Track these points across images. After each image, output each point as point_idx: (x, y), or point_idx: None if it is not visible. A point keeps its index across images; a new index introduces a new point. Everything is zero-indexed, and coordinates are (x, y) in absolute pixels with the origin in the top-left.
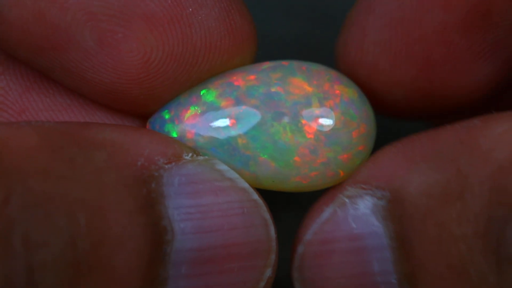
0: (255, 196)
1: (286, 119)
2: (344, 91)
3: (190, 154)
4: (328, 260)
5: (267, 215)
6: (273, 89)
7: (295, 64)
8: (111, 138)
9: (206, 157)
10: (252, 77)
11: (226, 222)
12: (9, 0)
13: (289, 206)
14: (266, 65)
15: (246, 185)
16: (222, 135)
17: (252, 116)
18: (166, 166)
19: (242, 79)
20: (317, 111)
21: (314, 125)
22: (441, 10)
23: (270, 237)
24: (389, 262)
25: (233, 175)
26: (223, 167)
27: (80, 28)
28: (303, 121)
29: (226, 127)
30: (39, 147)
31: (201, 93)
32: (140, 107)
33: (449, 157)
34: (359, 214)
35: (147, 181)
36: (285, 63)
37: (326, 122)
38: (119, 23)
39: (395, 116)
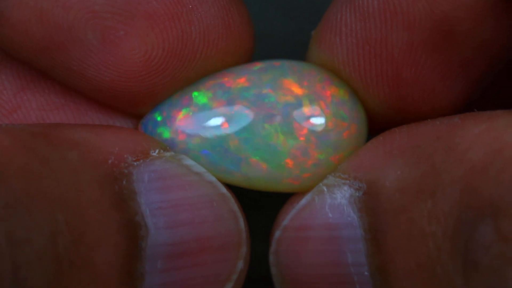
0: (223, 189)
1: (277, 121)
2: (335, 92)
3: (157, 151)
4: (303, 246)
5: (235, 208)
6: (264, 91)
7: (287, 64)
8: (82, 137)
9: (173, 153)
10: (243, 78)
11: (197, 216)
12: (11, 1)
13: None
14: (257, 66)
15: (213, 178)
16: (213, 137)
17: (244, 118)
18: (135, 163)
19: (234, 80)
20: (308, 112)
21: (305, 127)
22: (405, 30)
23: (240, 229)
24: (362, 254)
25: (200, 169)
26: (190, 162)
27: (83, 26)
28: (295, 123)
29: (218, 129)
30: (13, 148)
31: (193, 95)
32: (137, 105)
33: (426, 153)
34: (336, 203)
35: (118, 178)
36: (276, 63)
37: (318, 123)
38: (121, 21)
39: (375, 132)
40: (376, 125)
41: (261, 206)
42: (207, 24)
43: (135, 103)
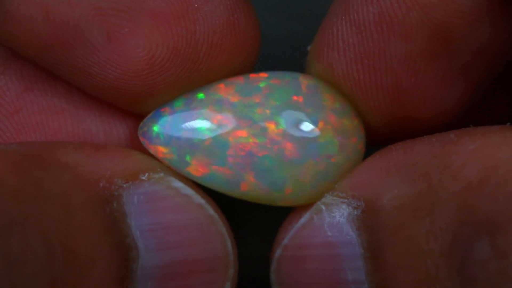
0: (212, 211)
1: (282, 146)
2: (341, 114)
3: (146, 174)
4: (303, 265)
5: (224, 230)
6: (270, 111)
7: (292, 82)
8: (74, 160)
9: (162, 174)
10: (249, 97)
11: (186, 238)
12: None
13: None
14: (267, 80)
15: (202, 201)
16: (214, 156)
17: (247, 139)
18: (125, 185)
19: (240, 96)
20: (314, 138)
21: (313, 152)
22: (403, 40)
23: (227, 251)
24: (362, 272)
25: (189, 191)
26: (178, 184)
27: (88, 23)
28: (302, 148)
29: (220, 148)
30: (7, 169)
31: (196, 110)
32: (139, 103)
33: (422, 170)
34: (334, 222)
35: (109, 200)
36: (286, 80)
37: (326, 148)
38: (126, 18)
39: (375, 143)
40: (377, 136)
41: (258, 207)
42: (212, 23)
43: (137, 101)
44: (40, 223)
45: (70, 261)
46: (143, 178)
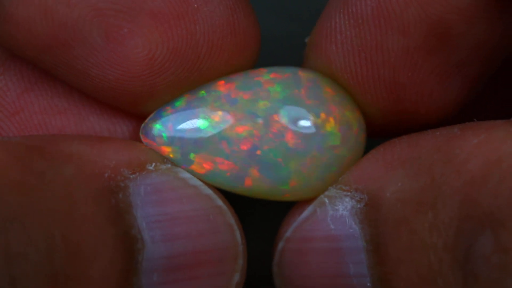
0: (220, 202)
1: (285, 138)
2: (341, 106)
3: (153, 164)
4: (305, 258)
5: (232, 221)
6: (274, 107)
7: (292, 75)
8: (78, 151)
9: (169, 165)
10: (250, 92)
11: (193, 229)
12: None
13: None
14: (267, 75)
15: (210, 191)
16: (218, 152)
17: (251, 134)
18: (131, 176)
19: (241, 91)
20: (317, 130)
21: (315, 144)
22: (400, 34)
23: (237, 242)
24: (364, 265)
25: (197, 182)
26: (186, 175)
27: (87, 24)
28: (304, 141)
29: (223, 143)
30: (8, 162)
31: (199, 108)
32: (140, 104)
33: (426, 164)
34: (337, 215)
35: (115, 191)
36: (286, 74)
37: (328, 141)
38: (125, 19)
39: (373, 135)
40: (375, 128)
41: (258, 202)
42: (212, 24)
43: (138, 102)
44: (41, 216)
45: (73, 254)
46: (150, 168)
